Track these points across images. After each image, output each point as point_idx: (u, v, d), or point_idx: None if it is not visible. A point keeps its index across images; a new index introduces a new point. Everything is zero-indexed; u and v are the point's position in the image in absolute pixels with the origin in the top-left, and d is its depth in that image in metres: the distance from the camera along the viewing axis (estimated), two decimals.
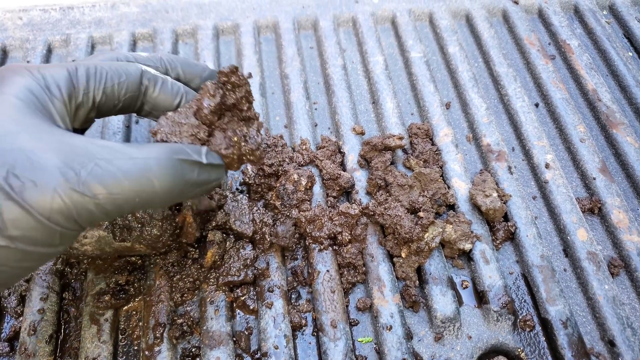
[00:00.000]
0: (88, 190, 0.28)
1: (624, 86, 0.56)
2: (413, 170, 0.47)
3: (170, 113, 0.34)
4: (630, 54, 0.60)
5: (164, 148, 0.31)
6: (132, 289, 0.41)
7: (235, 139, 0.34)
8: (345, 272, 0.42)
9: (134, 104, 0.36)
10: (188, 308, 0.41)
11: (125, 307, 0.41)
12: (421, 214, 0.42)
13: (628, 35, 0.61)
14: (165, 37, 0.57)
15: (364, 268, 0.43)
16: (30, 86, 0.31)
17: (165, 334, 0.39)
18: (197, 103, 0.34)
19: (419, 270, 0.43)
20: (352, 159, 0.48)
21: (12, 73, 0.32)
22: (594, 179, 0.48)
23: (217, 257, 0.41)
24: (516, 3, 0.63)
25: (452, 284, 0.43)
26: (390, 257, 0.43)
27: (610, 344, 0.40)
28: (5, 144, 0.27)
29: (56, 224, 0.28)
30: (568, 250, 0.45)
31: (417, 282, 0.42)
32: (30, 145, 0.28)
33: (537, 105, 0.55)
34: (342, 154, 0.49)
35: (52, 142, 0.28)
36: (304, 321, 0.41)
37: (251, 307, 0.41)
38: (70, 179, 0.27)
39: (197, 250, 0.42)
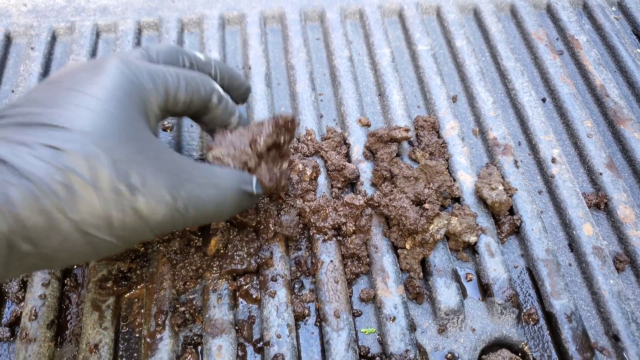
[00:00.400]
0: (185, 210, 0.31)
1: (632, 82, 0.56)
2: (419, 163, 0.47)
3: (228, 134, 0.38)
4: (639, 50, 0.59)
5: (234, 178, 0.35)
6: (134, 277, 0.41)
7: (278, 174, 0.39)
8: (349, 263, 0.42)
9: (195, 114, 0.39)
10: (191, 296, 0.41)
11: (128, 294, 0.41)
12: (426, 205, 0.42)
13: (637, 31, 0.61)
14: (170, 26, 0.56)
15: (367, 259, 0.42)
16: (135, 82, 0.33)
17: (167, 322, 0.39)
18: (254, 135, 0.38)
19: (423, 262, 0.43)
20: (357, 151, 0.48)
21: (118, 64, 0.33)
22: (601, 174, 0.48)
23: (220, 245, 0.41)
24: None
25: (456, 277, 0.42)
26: (395, 248, 0.43)
27: (615, 338, 0.40)
28: (120, 153, 0.29)
29: (152, 232, 0.31)
30: (573, 244, 0.45)
31: (421, 273, 0.42)
32: (139, 159, 0.30)
33: (544, 100, 0.55)
34: (348, 146, 0.49)
35: (156, 157, 0.31)
36: (306, 311, 0.40)
37: (254, 296, 0.41)
38: (175, 197, 0.31)
39: (201, 239, 0.42)
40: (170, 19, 0.57)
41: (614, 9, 0.63)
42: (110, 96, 0.30)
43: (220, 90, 0.39)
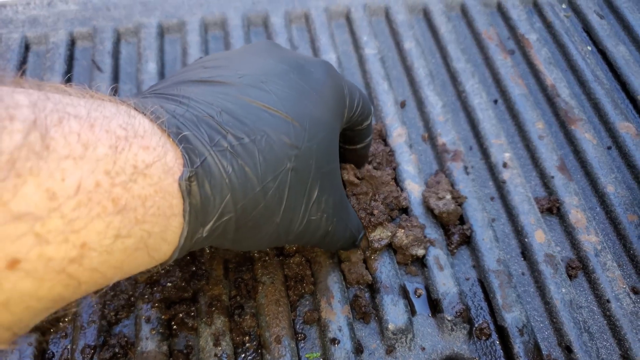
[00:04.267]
0: (328, 237, 0.34)
1: (582, 81, 0.55)
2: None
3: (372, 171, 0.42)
4: (589, 47, 0.58)
5: (357, 224, 0.38)
6: (60, 309, 0.38)
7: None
8: (292, 284, 0.40)
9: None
10: (123, 328, 0.38)
11: (53, 329, 0.38)
12: (375, 211, 0.40)
13: (587, 29, 0.60)
14: (106, 37, 0.53)
15: (312, 278, 0.40)
16: (339, 92, 0.32)
17: (95, 357, 0.36)
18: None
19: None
20: None
21: (329, 68, 0.33)
22: (553, 177, 0.47)
23: (152, 271, 0.38)
24: None
25: (404, 293, 0.41)
26: (340, 263, 0.41)
27: (568, 350, 0.38)
28: (324, 173, 0.30)
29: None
30: (526, 252, 0.43)
31: (368, 290, 0.40)
32: (331, 181, 0.31)
33: (495, 101, 0.53)
34: None
35: (337, 179, 0.33)
36: (247, 338, 0.38)
37: (190, 325, 0.38)
38: (331, 226, 0.33)
39: None
40: (106, 28, 0.54)
41: (563, 6, 0.62)
42: (331, 104, 0.31)
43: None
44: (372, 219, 0.40)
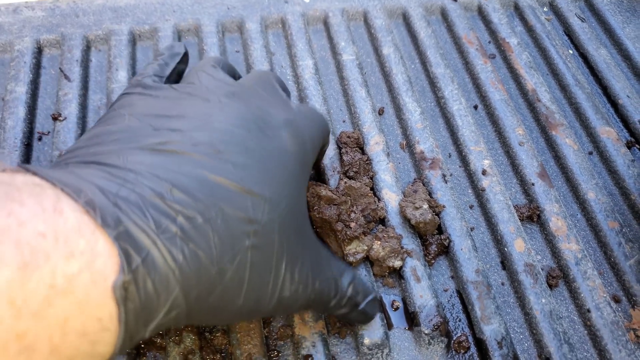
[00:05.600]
0: (312, 302, 0.31)
1: (563, 85, 0.54)
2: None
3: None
4: (571, 51, 0.58)
5: (351, 277, 0.34)
6: None
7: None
8: None
9: None
10: None
11: None
12: (352, 224, 0.39)
13: (568, 32, 0.59)
14: (74, 44, 0.52)
15: None
16: (302, 147, 0.31)
17: None
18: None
19: None
20: None
21: (290, 127, 0.31)
22: (533, 184, 0.46)
23: None
24: (455, 0, 0.60)
25: (381, 306, 0.39)
26: None
27: None
28: (293, 241, 0.28)
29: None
30: (505, 262, 0.42)
31: None
32: (301, 247, 0.29)
33: (475, 107, 0.52)
34: None
35: (310, 241, 0.31)
36: (218, 356, 0.37)
37: (158, 343, 0.37)
38: (312, 291, 0.30)
39: None
40: (74, 35, 0.53)
41: (545, 9, 0.61)
42: (295, 166, 0.29)
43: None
44: (348, 232, 0.39)
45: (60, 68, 0.49)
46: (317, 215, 0.39)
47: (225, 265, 0.23)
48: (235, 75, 0.40)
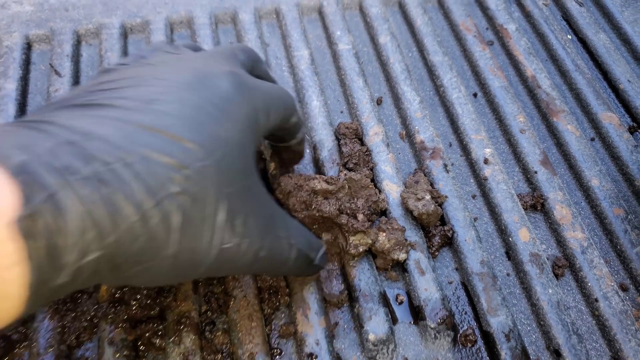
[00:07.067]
0: (262, 260, 0.29)
1: (563, 71, 0.53)
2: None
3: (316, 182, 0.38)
4: (569, 36, 0.57)
5: (308, 241, 0.33)
6: (15, 335, 0.36)
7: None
8: (266, 296, 0.38)
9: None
10: (86, 352, 0.36)
11: (7, 357, 0.35)
12: (359, 216, 0.38)
13: (566, 17, 0.58)
14: (64, 39, 0.50)
15: (287, 289, 0.38)
16: (251, 104, 0.29)
17: None
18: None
19: (349, 288, 0.39)
20: (273, 167, 0.44)
21: (236, 81, 0.29)
22: (536, 172, 0.45)
23: (112, 289, 0.36)
24: None
25: (385, 300, 0.39)
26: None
27: (556, 353, 0.37)
28: (235, 190, 0.27)
29: (215, 273, 0.30)
30: (510, 252, 0.42)
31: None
32: (247, 200, 0.28)
33: (475, 95, 0.52)
34: (264, 160, 0.44)
35: (257, 197, 0.29)
36: (219, 356, 0.36)
37: (158, 345, 0.36)
38: (262, 247, 0.29)
39: None
40: (64, 30, 0.51)
41: None
42: (237, 118, 0.28)
43: (299, 109, 0.36)
44: (355, 225, 0.38)
45: (50, 63, 0.48)
46: (317, 214, 0.37)
47: (148, 211, 0.23)
48: (261, 73, 0.38)
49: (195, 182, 0.24)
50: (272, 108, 0.31)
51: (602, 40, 0.55)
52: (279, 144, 0.38)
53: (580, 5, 0.58)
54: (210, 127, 0.25)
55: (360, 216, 0.37)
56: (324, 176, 0.39)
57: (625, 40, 0.56)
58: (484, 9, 0.58)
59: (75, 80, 0.48)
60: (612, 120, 0.49)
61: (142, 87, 0.26)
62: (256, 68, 0.35)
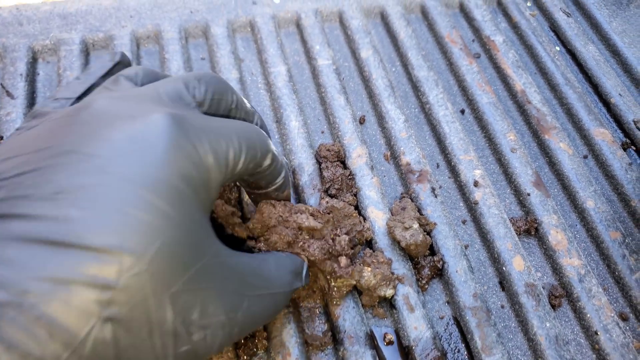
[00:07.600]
0: (237, 335, 0.26)
1: (553, 85, 0.51)
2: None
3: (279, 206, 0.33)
4: (558, 48, 0.55)
5: (290, 274, 0.31)
6: None
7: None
8: (242, 342, 0.34)
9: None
10: None
11: None
12: (342, 260, 0.34)
13: (554, 28, 0.56)
14: (18, 56, 0.46)
15: (264, 333, 0.35)
16: (193, 157, 0.23)
17: None
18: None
19: (332, 328, 0.36)
20: (247, 198, 0.40)
21: (171, 127, 0.23)
22: (528, 194, 0.43)
23: None
24: None
25: (372, 341, 0.35)
26: (297, 306, 0.36)
27: None
28: (179, 284, 0.22)
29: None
30: (504, 282, 0.39)
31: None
32: (202, 284, 0.23)
33: (462, 112, 0.49)
34: (238, 188, 0.41)
35: (219, 272, 0.24)
36: None
37: None
38: (233, 325, 0.25)
39: None
40: (18, 46, 0.47)
41: (529, 4, 0.58)
42: (165, 189, 0.21)
43: (274, 149, 0.30)
44: (337, 271, 0.34)
45: (1, 84, 0.44)
46: (303, 253, 0.34)
47: (74, 349, 0.19)
48: (227, 104, 0.32)
49: (125, 301, 0.20)
50: (232, 152, 0.26)
51: (591, 51, 0.53)
52: (255, 191, 0.33)
53: (568, 16, 0.56)
54: (135, 218, 0.20)
55: (343, 261, 0.34)
56: (310, 207, 0.35)
57: (614, 51, 0.54)
58: (470, 20, 0.56)
59: (30, 102, 0.44)
60: (604, 136, 0.47)
61: (46, 171, 0.21)
62: (221, 101, 0.30)
